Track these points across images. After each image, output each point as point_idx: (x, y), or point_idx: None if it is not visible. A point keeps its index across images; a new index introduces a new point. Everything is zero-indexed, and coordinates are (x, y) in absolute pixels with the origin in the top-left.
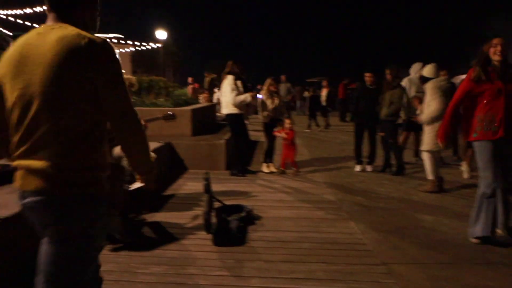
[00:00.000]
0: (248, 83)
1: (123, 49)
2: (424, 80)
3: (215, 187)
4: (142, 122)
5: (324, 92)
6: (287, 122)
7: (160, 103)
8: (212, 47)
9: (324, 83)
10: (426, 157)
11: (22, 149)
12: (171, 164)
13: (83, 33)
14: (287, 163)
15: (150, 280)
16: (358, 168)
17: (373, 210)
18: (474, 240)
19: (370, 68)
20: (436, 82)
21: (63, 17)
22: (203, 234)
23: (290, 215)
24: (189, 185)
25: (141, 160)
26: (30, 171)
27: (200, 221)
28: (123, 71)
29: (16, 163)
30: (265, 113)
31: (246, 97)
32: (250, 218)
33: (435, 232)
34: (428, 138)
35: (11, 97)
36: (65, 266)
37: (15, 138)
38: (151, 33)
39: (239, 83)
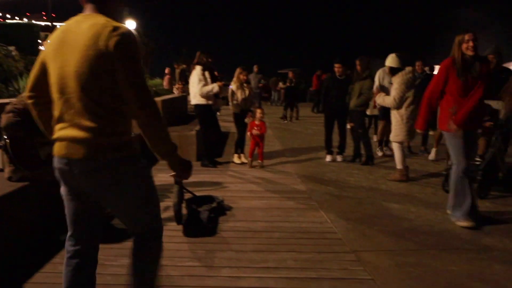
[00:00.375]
0: (218, 74)
1: None
2: (392, 71)
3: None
4: None
5: (288, 83)
6: (258, 112)
7: None
8: (186, 37)
9: (290, 74)
10: (395, 147)
11: (64, 121)
12: (142, 156)
13: (111, 21)
14: (255, 154)
15: (119, 272)
16: (328, 158)
17: (343, 199)
18: (463, 223)
19: (339, 58)
20: (404, 74)
21: (97, 8)
22: (173, 225)
23: (260, 205)
24: (159, 176)
25: (159, 143)
26: (75, 141)
27: (170, 212)
28: None
29: (57, 134)
30: (235, 102)
31: (213, 87)
32: (221, 209)
33: (403, 220)
34: (397, 129)
35: (52, 75)
36: (129, 221)
37: (56, 112)
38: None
39: (206, 73)
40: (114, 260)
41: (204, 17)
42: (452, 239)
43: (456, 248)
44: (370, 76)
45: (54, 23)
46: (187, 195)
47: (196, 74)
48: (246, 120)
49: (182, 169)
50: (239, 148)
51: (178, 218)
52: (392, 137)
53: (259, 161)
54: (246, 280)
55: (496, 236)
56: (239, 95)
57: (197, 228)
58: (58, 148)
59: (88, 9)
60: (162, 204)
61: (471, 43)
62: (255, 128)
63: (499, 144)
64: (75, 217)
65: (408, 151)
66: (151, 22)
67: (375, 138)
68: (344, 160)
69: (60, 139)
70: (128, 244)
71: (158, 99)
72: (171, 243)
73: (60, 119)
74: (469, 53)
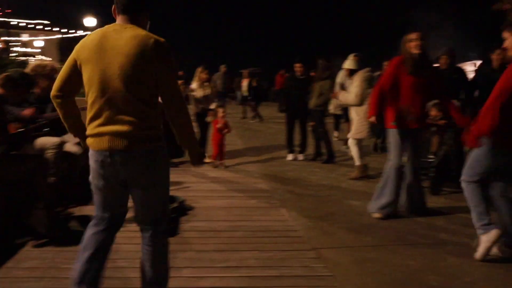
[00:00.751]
0: (183, 73)
1: (49, 36)
2: (351, 72)
3: None
4: None
5: (244, 83)
6: (220, 111)
7: None
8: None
9: (245, 73)
10: (352, 144)
11: (104, 117)
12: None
13: (150, 34)
14: (220, 154)
15: None
16: (290, 157)
17: (304, 198)
18: (376, 215)
19: (299, 58)
20: (363, 73)
21: (131, 20)
22: (133, 226)
23: (222, 205)
24: None
25: (185, 134)
26: (118, 134)
27: (130, 213)
28: (49, 58)
29: (97, 130)
30: (195, 100)
31: None
32: (183, 209)
33: (363, 217)
34: (359, 126)
35: (91, 76)
36: (152, 204)
37: (95, 109)
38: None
39: None
40: (72, 264)
41: (169, 15)
42: (410, 234)
43: (413, 243)
44: (330, 76)
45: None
46: None
47: None
48: (208, 119)
49: (198, 159)
50: (201, 147)
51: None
52: (353, 134)
53: (221, 161)
54: (207, 280)
55: (450, 231)
56: (200, 94)
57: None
58: (98, 143)
59: (122, 19)
60: None
61: (417, 42)
62: (221, 124)
63: (452, 141)
64: (107, 203)
65: (379, 150)
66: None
67: (335, 134)
68: (305, 159)
69: (100, 135)
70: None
71: None
72: (131, 244)
73: (98, 117)
74: (415, 51)
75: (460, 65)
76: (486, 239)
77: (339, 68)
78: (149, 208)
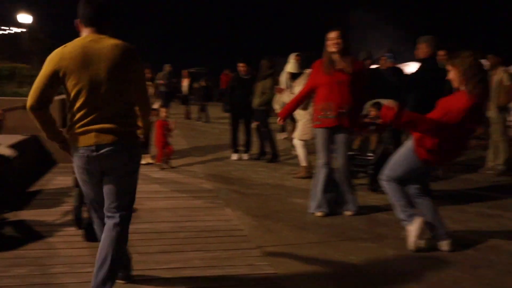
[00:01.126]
0: None
1: None
2: (293, 76)
3: None
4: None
5: (185, 82)
6: (162, 111)
7: (24, 92)
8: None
9: (185, 73)
10: (298, 145)
11: (91, 117)
12: (38, 158)
13: (125, 42)
14: (166, 155)
15: (12, 283)
16: (234, 156)
17: (249, 197)
18: (318, 214)
19: (243, 58)
20: (307, 75)
21: (98, 30)
22: (73, 230)
23: (166, 206)
24: (58, 179)
25: (149, 129)
26: (103, 131)
27: (69, 216)
28: None
29: (82, 129)
30: None
31: None
32: None
33: (306, 215)
34: (305, 127)
35: (79, 83)
36: (127, 191)
37: (83, 111)
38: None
39: None
40: (7, 271)
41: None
42: (351, 230)
43: (354, 238)
44: (272, 75)
45: None
46: None
47: None
48: (151, 119)
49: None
50: (144, 148)
51: (78, 222)
52: (299, 135)
53: (166, 162)
54: (151, 283)
55: (389, 225)
56: None
57: None
58: (85, 140)
59: (90, 31)
60: (61, 209)
61: (334, 41)
62: (166, 125)
63: (389, 140)
64: (96, 196)
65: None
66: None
67: (281, 136)
68: (250, 158)
69: (86, 132)
70: (22, 253)
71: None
72: (71, 249)
73: (87, 117)
74: (332, 49)
75: (400, 65)
76: (412, 229)
77: (282, 67)
78: (124, 194)
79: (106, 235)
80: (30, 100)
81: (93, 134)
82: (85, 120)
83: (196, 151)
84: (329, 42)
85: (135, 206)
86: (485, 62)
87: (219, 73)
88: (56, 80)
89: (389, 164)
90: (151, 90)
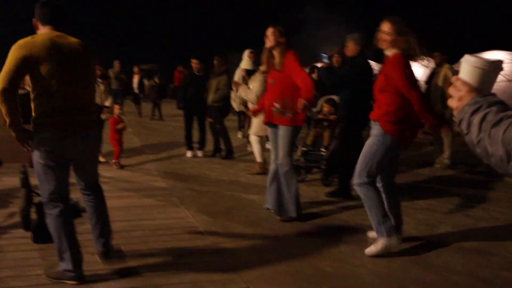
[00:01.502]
0: None
1: None
2: (248, 72)
3: (35, 181)
4: None
5: (135, 79)
6: (116, 108)
7: None
8: (30, 28)
9: (135, 69)
10: (254, 141)
11: (65, 106)
12: None
13: (83, 41)
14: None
15: None
16: (189, 154)
17: (203, 194)
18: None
19: (196, 54)
20: (262, 72)
21: (56, 28)
22: (21, 232)
23: (119, 205)
24: (4, 180)
25: None
26: (76, 119)
27: (16, 218)
28: None
29: (57, 118)
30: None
31: None
32: (76, 211)
33: (261, 210)
34: (256, 123)
35: (52, 72)
36: (94, 168)
37: (56, 99)
38: None
39: None
40: None
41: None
42: (305, 224)
43: (309, 232)
44: (226, 72)
45: None
46: (36, 199)
47: None
48: (103, 116)
49: None
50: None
51: (26, 224)
52: (255, 131)
53: (117, 160)
54: (104, 284)
55: (342, 218)
56: None
57: (48, 234)
58: (59, 127)
59: (49, 28)
60: (8, 211)
61: (267, 37)
62: (119, 123)
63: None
64: (64, 181)
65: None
66: None
67: (239, 135)
68: (204, 155)
69: (61, 121)
70: None
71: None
72: (19, 252)
73: (60, 105)
74: (266, 45)
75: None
76: (384, 243)
77: (237, 64)
78: (93, 174)
79: (90, 207)
80: (2, 83)
81: (66, 122)
82: (60, 108)
83: (149, 149)
84: (265, 39)
85: (85, 205)
86: (431, 60)
87: (172, 70)
88: (26, 66)
89: (360, 165)
90: (102, 87)
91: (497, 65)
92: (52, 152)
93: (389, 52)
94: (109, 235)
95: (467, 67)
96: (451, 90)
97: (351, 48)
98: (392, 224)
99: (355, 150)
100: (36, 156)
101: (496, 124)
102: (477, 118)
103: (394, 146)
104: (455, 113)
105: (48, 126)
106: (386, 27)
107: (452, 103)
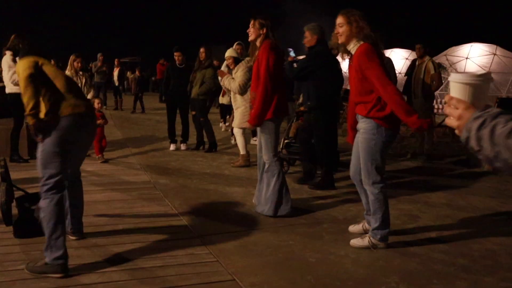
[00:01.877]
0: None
1: None
2: (235, 61)
3: (16, 175)
4: None
5: (116, 72)
6: (96, 102)
7: None
8: (15, 21)
9: (116, 62)
10: (237, 134)
11: (77, 95)
12: None
13: None
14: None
15: None
16: (172, 147)
17: (187, 187)
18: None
19: (178, 47)
20: (246, 62)
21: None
22: (1, 227)
23: (102, 199)
24: None
25: None
26: (87, 104)
27: None
28: None
29: (76, 101)
30: None
31: None
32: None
33: (245, 202)
34: (245, 115)
35: (54, 72)
36: (84, 157)
37: (71, 90)
38: None
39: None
40: None
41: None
42: (292, 217)
43: (293, 224)
44: (212, 65)
45: None
46: (17, 193)
47: (5, 60)
48: (98, 122)
49: None
50: None
51: (7, 218)
52: (238, 123)
53: (99, 155)
54: (88, 277)
55: (325, 210)
56: None
57: (29, 228)
58: (78, 107)
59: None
60: None
61: (249, 29)
62: (98, 119)
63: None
64: (67, 168)
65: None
66: None
67: (221, 127)
68: (188, 149)
69: (79, 103)
70: None
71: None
72: (0, 247)
73: (75, 94)
74: (249, 37)
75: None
76: (374, 245)
77: (221, 57)
78: (81, 163)
79: (71, 193)
80: (33, 105)
81: (84, 104)
82: (76, 95)
83: (132, 143)
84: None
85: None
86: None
87: (155, 63)
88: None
89: (364, 165)
90: (83, 80)
91: (487, 77)
92: (69, 139)
93: (354, 45)
94: (81, 215)
95: (458, 85)
96: (447, 110)
97: (308, 38)
98: (389, 231)
99: (329, 139)
100: (50, 145)
101: (510, 134)
102: (485, 133)
103: (390, 135)
104: (457, 132)
105: (70, 108)
106: (338, 20)
107: (451, 122)
